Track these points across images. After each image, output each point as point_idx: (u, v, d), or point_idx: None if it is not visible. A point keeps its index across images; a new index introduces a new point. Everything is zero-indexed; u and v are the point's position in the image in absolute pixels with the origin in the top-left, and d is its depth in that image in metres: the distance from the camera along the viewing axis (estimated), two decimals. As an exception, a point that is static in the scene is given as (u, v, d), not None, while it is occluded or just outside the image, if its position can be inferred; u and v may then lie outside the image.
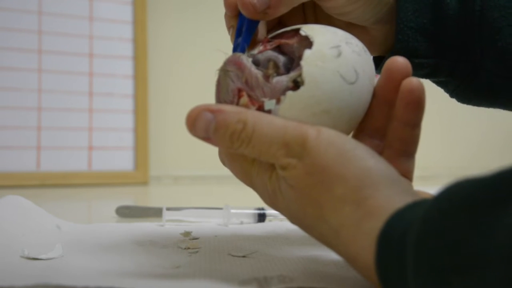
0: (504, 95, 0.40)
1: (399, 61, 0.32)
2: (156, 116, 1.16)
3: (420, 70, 0.40)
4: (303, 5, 0.40)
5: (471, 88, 0.41)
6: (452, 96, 0.43)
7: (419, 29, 0.39)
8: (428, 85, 0.36)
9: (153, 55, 1.17)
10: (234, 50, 0.36)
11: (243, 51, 0.35)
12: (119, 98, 1.12)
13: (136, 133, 1.12)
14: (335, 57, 0.31)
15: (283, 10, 0.35)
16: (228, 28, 0.38)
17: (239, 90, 0.32)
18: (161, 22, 1.20)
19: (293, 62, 0.33)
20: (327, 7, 0.38)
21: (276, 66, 0.33)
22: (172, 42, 1.21)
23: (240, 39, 0.36)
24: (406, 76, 0.32)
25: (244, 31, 0.36)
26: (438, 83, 0.43)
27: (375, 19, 0.39)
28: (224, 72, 0.33)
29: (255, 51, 0.34)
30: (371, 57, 0.35)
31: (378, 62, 0.42)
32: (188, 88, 1.20)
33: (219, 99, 0.34)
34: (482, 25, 0.38)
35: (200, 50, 1.21)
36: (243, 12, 0.35)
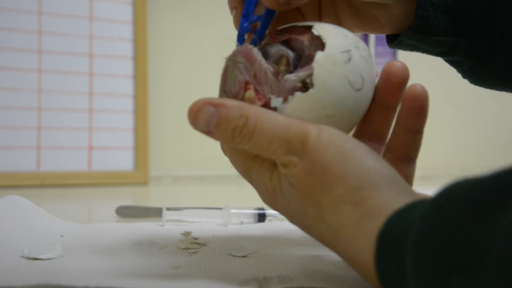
0: None
1: (397, 65, 0.32)
2: (156, 116, 1.16)
3: (437, 48, 0.40)
4: None
5: (487, 70, 0.40)
6: (465, 76, 0.42)
7: (440, 5, 0.38)
8: (430, 85, 0.36)
9: (153, 55, 1.17)
10: (239, 36, 0.36)
11: (255, 44, 0.35)
12: (119, 98, 1.12)
13: (136, 133, 1.12)
14: (345, 62, 0.31)
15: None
16: (231, 9, 0.37)
17: (246, 83, 0.32)
18: (161, 22, 1.20)
19: (300, 59, 0.33)
20: None
21: (288, 62, 0.32)
22: (172, 42, 1.21)
23: (245, 25, 0.36)
24: (404, 79, 0.32)
25: (260, 25, 0.35)
26: (452, 63, 0.42)
27: None
28: (233, 62, 0.33)
29: (263, 41, 0.34)
30: (374, 61, 0.35)
31: (394, 39, 0.41)
32: (188, 88, 1.20)
33: (224, 88, 0.34)
34: (503, 6, 0.37)
35: (200, 50, 1.21)
36: (266, 3, 0.34)
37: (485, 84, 0.42)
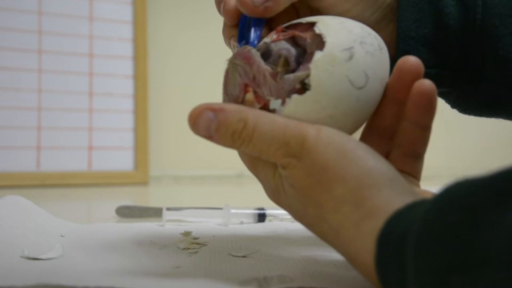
0: (506, 105, 0.40)
1: (411, 61, 0.32)
2: (156, 116, 1.16)
3: None
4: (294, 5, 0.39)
5: (473, 99, 0.40)
6: (453, 107, 0.42)
7: (420, 39, 0.38)
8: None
9: (153, 55, 1.17)
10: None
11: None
12: (119, 98, 1.12)
13: (136, 133, 1.12)
14: (346, 60, 0.30)
15: (283, 3, 0.35)
16: (228, 39, 0.37)
17: (246, 85, 0.32)
18: (161, 22, 1.20)
19: (305, 55, 0.32)
20: (322, 7, 0.38)
21: (286, 63, 0.32)
22: (172, 42, 1.21)
23: (243, 42, 0.35)
24: (417, 76, 0.32)
25: (252, 32, 0.35)
26: (440, 94, 0.42)
27: (376, 18, 0.38)
28: (232, 64, 0.33)
29: (268, 40, 0.34)
30: (387, 54, 0.34)
31: None
32: (188, 88, 1.20)
33: (226, 91, 0.34)
34: (483, 34, 0.37)
35: (200, 50, 1.21)
36: (243, 10, 0.35)
37: (474, 113, 0.42)
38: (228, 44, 0.38)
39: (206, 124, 0.30)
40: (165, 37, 1.21)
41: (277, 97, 0.31)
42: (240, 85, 0.32)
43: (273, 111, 0.31)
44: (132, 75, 1.13)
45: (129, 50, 1.14)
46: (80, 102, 1.08)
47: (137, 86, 1.13)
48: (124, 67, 1.13)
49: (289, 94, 0.31)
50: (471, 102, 0.41)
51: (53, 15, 1.07)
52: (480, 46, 0.38)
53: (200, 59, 1.21)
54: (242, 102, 0.32)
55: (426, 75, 0.39)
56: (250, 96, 0.32)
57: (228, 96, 0.33)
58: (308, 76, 0.30)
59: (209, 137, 0.30)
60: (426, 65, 0.38)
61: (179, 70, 1.21)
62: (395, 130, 0.34)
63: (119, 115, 1.11)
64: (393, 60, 0.38)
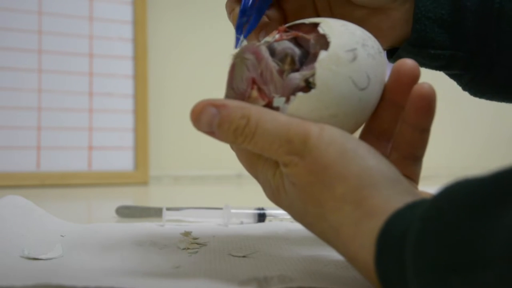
0: None
1: (408, 64, 0.32)
2: (156, 116, 1.16)
3: (435, 62, 0.40)
4: None
5: (485, 82, 0.41)
6: (465, 89, 0.43)
7: (437, 19, 0.38)
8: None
9: (153, 55, 1.17)
10: (238, 29, 0.36)
11: (249, 32, 0.35)
12: (119, 98, 1.12)
13: (136, 133, 1.12)
14: (350, 61, 0.31)
15: None
16: (229, 12, 0.38)
17: (253, 80, 0.32)
18: (161, 22, 1.20)
19: (307, 56, 0.32)
20: None
21: (293, 61, 0.32)
22: (172, 42, 1.21)
23: (243, 19, 0.36)
24: (414, 79, 0.32)
25: (254, 15, 0.36)
26: (452, 76, 0.43)
27: None
28: (240, 59, 0.33)
29: (271, 39, 0.34)
30: (385, 58, 0.34)
31: (392, 53, 0.42)
32: (188, 88, 1.20)
33: (231, 86, 0.34)
34: (500, 18, 0.38)
35: (200, 50, 1.21)
36: None
37: (485, 96, 0.43)
38: (229, 18, 0.38)
39: (209, 119, 0.30)
40: (165, 37, 1.21)
41: (281, 95, 0.31)
42: (247, 79, 0.32)
43: (276, 108, 0.31)
44: (132, 75, 1.13)
45: (129, 50, 1.13)
46: (80, 102, 1.08)
47: (137, 86, 1.13)
48: (124, 67, 1.13)
49: (293, 92, 0.31)
50: (484, 86, 0.41)
51: (53, 15, 1.07)
52: (497, 30, 0.38)
53: (200, 59, 1.21)
54: (249, 97, 0.32)
55: (440, 57, 0.39)
56: (254, 93, 0.32)
57: (234, 90, 0.33)
58: (313, 75, 0.30)
59: (211, 133, 0.30)
60: (440, 47, 0.39)
61: (179, 70, 1.21)
62: (392, 132, 0.34)
63: (119, 115, 1.11)
64: (409, 43, 0.38)
